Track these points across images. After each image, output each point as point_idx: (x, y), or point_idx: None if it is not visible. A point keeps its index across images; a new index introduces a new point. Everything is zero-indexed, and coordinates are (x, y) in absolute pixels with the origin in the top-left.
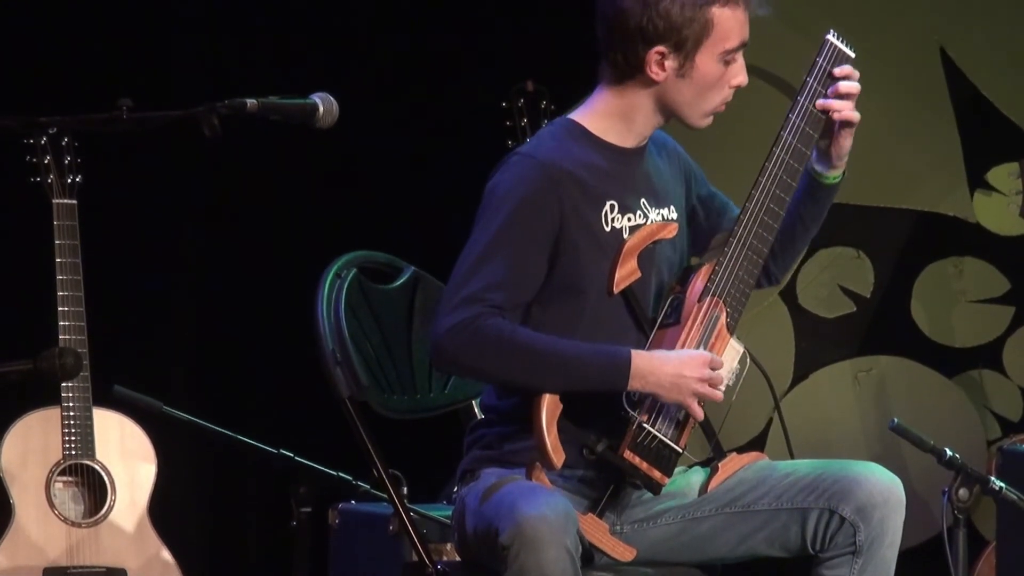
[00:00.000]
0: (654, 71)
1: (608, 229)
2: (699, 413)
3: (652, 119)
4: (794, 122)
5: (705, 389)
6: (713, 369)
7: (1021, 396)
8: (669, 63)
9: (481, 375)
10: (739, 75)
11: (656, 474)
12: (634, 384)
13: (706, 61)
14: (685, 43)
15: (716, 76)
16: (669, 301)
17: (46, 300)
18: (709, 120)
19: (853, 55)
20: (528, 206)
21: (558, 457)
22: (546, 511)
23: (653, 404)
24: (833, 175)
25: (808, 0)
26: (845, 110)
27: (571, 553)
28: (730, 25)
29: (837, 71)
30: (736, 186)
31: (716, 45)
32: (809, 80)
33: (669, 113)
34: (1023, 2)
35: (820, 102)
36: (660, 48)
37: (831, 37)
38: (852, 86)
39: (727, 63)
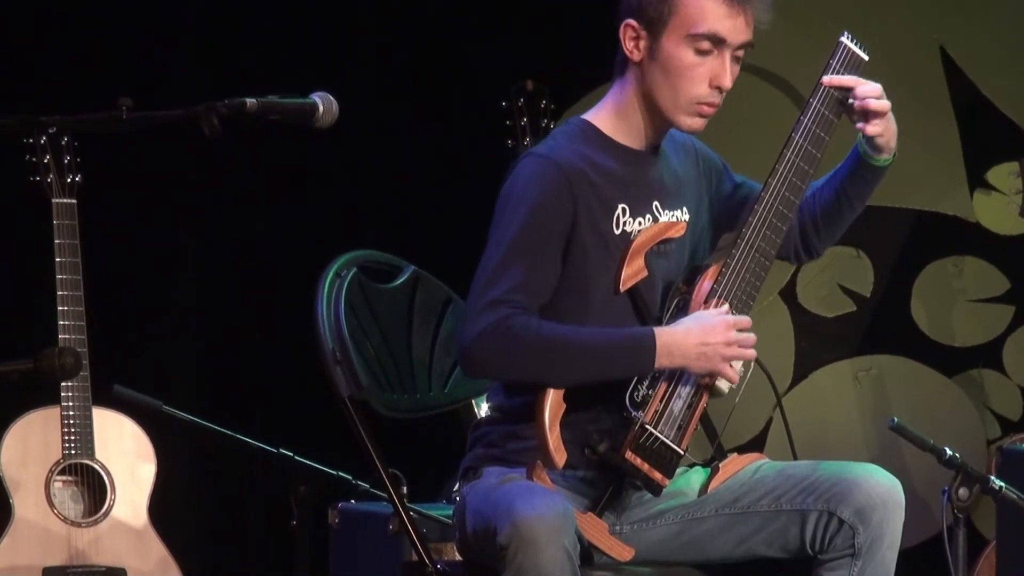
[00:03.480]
0: (629, 48)
1: (618, 232)
2: (733, 375)
3: (646, 116)
4: (806, 124)
5: (735, 351)
6: (740, 330)
7: (1021, 395)
8: (642, 43)
9: (513, 374)
10: (719, 74)
11: (657, 475)
12: (661, 362)
13: (671, 44)
14: (652, 22)
15: (684, 64)
16: (675, 302)
17: (46, 299)
18: (693, 121)
19: (866, 58)
20: (545, 206)
21: (560, 457)
22: (544, 511)
23: (656, 405)
24: (883, 158)
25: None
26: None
27: (569, 553)
28: (699, 10)
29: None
30: None
31: (680, 28)
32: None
33: (653, 108)
34: (1023, 2)
35: (857, 104)
36: (631, 22)
37: (845, 39)
38: (883, 104)
39: (700, 52)
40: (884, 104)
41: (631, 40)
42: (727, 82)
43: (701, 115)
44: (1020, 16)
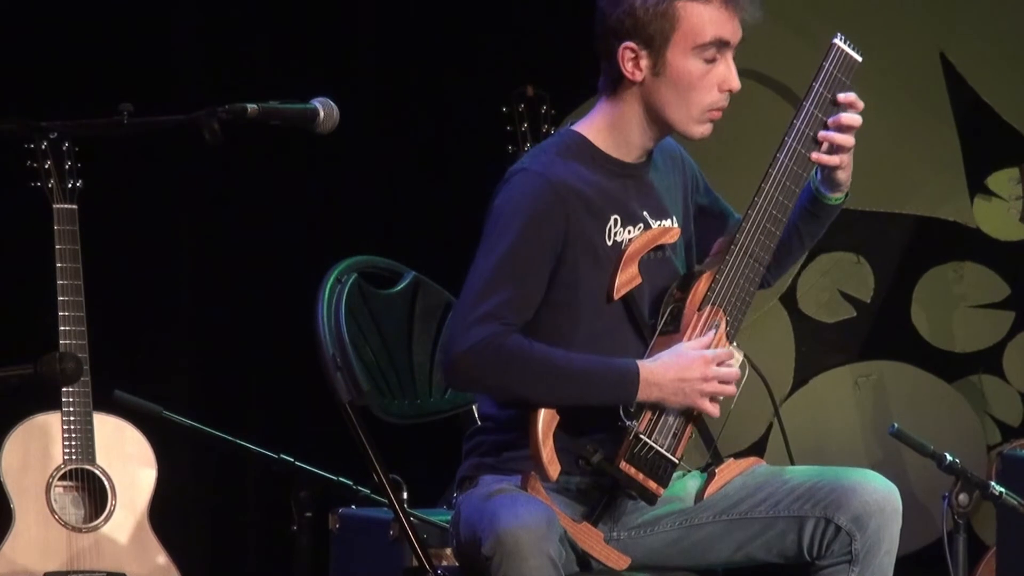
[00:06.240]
0: (630, 71)
1: (610, 243)
2: (713, 411)
3: (646, 130)
4: (799, 128)
5: (713, 387)
6: (720, 364)
7: (1021, 401)
8: (643, 62)
9: (500, 392)
10: (728, 78)
11: (652, 485)
12: (642, 395)
13: (678, 57)
14: (653, 39)
15: (694, 74)
16: (669, 309)
17: (47, 305)
18: (704, 128)
19: (860, 59)
20: (536, 222)
21: (554, 469)
22: (526, 520)
23: (650, 415)
24: (836, 197)
25: (809, 4)
26: (839, 140)
27: (554, 561)
28: (700, 19)
29: (841, 98)
30: (738, 191)
31: (686, 40)
32: (816, 85)
33: (660, 122)
34: (1023, 7)
35: (822, 134)
36: (630, 44)
37: (838, 41)
38: (853, 118)
39: (707, 61)
40: (848, 140)
41: (630, 62)
42: (737, 84)
43: (711, 121)
44: (1020, 22)
